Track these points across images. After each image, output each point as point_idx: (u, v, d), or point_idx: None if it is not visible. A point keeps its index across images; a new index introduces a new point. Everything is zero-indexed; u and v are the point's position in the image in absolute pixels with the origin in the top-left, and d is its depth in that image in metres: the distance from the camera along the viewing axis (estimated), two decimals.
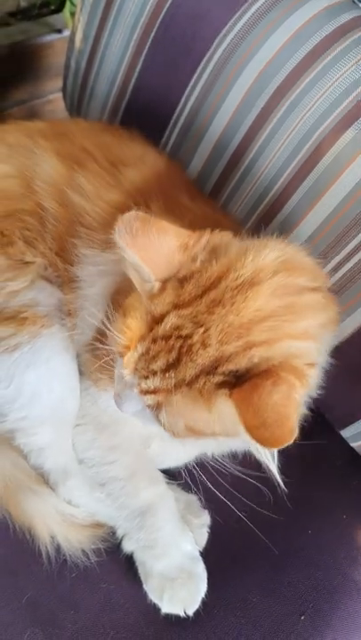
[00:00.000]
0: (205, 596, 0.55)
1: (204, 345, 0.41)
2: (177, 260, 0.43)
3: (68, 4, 1.01)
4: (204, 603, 0.55)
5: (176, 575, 0.55)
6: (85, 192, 0.60)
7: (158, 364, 0.42)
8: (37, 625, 0.53)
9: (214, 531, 0.60)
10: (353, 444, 0.66)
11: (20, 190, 0.62)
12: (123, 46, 0.72)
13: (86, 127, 0.71)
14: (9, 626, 0.53)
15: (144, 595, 0.56)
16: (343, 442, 0.68)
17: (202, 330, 0.41)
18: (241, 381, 0.40)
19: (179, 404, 0.42)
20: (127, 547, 0.57)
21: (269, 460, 0.42)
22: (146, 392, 0.43)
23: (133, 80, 0.73)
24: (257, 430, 0.38)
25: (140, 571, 0.56)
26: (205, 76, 0.64)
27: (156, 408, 0.43)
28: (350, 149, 0.56)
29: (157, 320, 0.43)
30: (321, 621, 0.55)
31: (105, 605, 0.55)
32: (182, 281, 0.43)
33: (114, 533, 0.58)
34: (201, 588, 0.56)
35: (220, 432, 0.43)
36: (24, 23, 1.05)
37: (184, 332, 0.41)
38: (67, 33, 1.06)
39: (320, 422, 0.67)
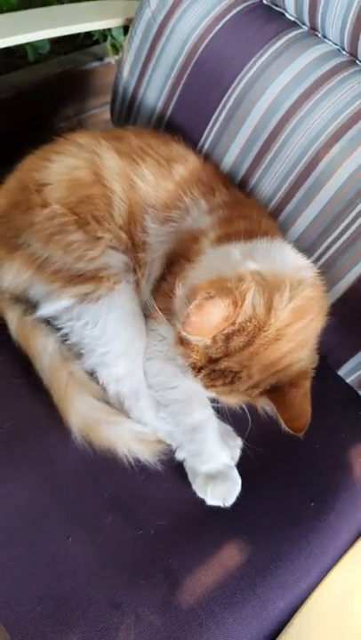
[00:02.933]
0: (238, 497, 0.73)
1: (249, 376, 0.62)
2: (222, 326, 0.60)
3: (109, 38, 1.21)
4: (237, 501, 0.74)
5: (216, 475, 0.75)
6: (147, 180, 0.78)
7: (218, 382, 0.63)
8: (118, 512, 0.71)
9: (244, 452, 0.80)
10: (348, 380, 0.86)
11: (90, 179, 0.79)
12: (163, 79, 0.92)
13: (138, 132, 0.88)
14: (96, 514, 0.71)
15: (193, 492, 0.76)
16: (341, 380, 0.88)
17: (246, 370, 0.62)
18: (275, 389, 0.63)
19: (231, 398, 0.64)
20: (180, 455, 0.75)
21: None
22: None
23: (171, 106, 0.92)
24: (291, 422, 0.63)
25: (190, 474, 0.74)
26: (228, 105, 0.84)
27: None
28: (339, 158, 0.76)
29: (213, 361, 0.62)
30: (325, 506, 0.76)
31: (166, 499, 0.74)
32: (228, 337, 0.61)
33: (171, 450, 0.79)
34: (235, 487, 0.73)
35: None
36: (73, 53, 1.26)
37: (234, 370, 0.62)
38: (107, 60, 1.27)
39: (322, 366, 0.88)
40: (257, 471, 0.78)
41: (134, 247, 0.79)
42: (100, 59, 1.26)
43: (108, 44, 1.21)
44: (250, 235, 0.70)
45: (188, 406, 0.75)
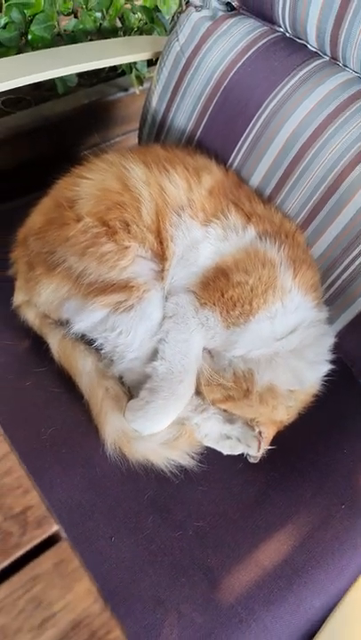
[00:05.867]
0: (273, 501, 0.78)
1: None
2: None
3: (133, 70, 1.28)
4: (272, 504, 0.79)
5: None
6: (179, 186, 0.83)
7: None
8: (156, 513, 0.74)
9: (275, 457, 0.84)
10: None
11: (118, 187, 0.84)
12: (191, 107, 0.99)
13: (163, 146, 0.94)
14: (137, 515, 0.74)
15: (228, 493, 0.78)
16: None
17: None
18: None
19: None
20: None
21: None
22: None
23: (199, 133, 0.99)
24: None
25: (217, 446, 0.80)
26: (255, 131, 0.90)
27: None
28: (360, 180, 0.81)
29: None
30: (355, 508, 0.78)
31: (202, 500, 0.77)
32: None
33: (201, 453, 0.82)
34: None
35: None
36: (99, 85, 1.34)
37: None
38: (132, 90, 1.34)
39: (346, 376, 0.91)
40: (289, 475, 0.81)
41: (161, 247, 0.83)
42: (125, 89, 1.34)
43: (132, 75, 1.29)
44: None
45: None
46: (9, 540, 0.30)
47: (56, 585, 0.29)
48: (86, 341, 0.85)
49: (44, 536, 0.31)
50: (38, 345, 0.88)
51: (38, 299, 0.87)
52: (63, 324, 0.86)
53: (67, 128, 1.30)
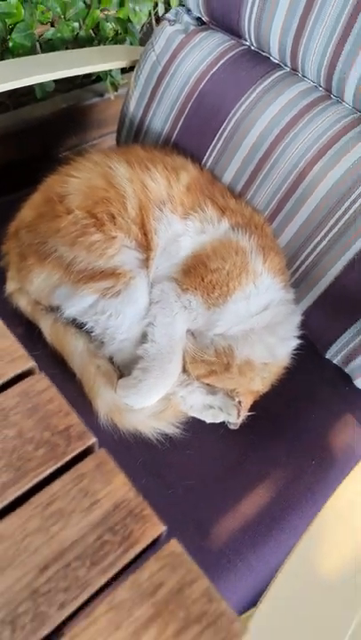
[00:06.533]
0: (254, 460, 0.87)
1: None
2: None
3: (108, 77, 1.37)
4: (253, 463, 0.88)
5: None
6: (160, 183, 0.92)
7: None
8: (149, 476, 0.82)
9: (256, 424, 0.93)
10: (334, 361, 1.00)
11: (105, 184, 0.91)
12: (167, 111, 1.08)
13: (143, 146, 1.02)
14: (132, 477, 0.84)
15: (213, 455, 0.87)
16: (328, 361, 1.03)
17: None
18: None
19: None
20: None
21: None
22: None
23: (175, 135, 1.08)
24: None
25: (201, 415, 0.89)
26: (226, 133, 1.00)
27: None
28: (320, 174, 0.91)
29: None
30: (324, 462, 0.89)
31: (188, 463, 0.84)
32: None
33: (186, 422, 0.91)
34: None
35: None
36: (76, 90, 1.41)
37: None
38: (107, 96, 1.43)
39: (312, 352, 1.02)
40: (265, 438, 0.91)
41: (146, 239, 0.91)
42: (101, 95, 1.42)
43: (107, 82, 1.38)
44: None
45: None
46: (57, 449, 0.38)
47: (98, 480, 0.38)
48: (77, 325, 0.91)
49: (85, 446, 0.39)
50: (31, 330, 0.94)
51: (30, 287, 0.93)
52: (54, 309, 0.92)
53: (46, 131, 1.37)
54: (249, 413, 0.89)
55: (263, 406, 0.91)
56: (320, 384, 0.99)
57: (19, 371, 0.43)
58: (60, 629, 0.32)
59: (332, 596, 0.53)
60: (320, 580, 0.54)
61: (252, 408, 0.90)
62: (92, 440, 0.40)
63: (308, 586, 0.54)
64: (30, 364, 0.44)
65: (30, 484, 0.38)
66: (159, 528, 0.37)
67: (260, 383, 0.90)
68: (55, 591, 0.34)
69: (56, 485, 0.37)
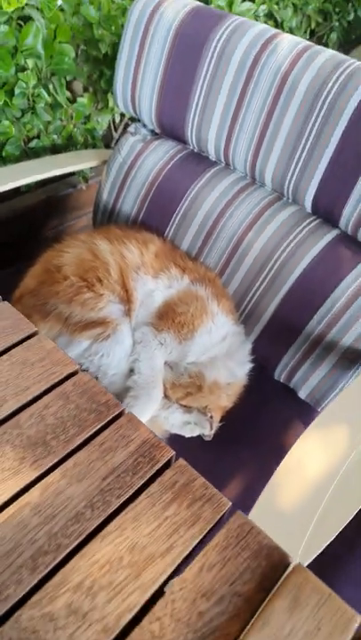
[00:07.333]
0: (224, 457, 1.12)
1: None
2: None
3: (80, 172, 1.70)
4: (223, 459, 1.12)
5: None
6: (134, 253, 1.19)
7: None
8: None
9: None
10: (281, 379, 1.28)
11: (92, 257, 1.15)
12: (134, 198, 1.40)
13: (118, 226, 1.31)
14: None
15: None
16: (276, 380, 1.30)
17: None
18: None
19: None
20: None
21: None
22: None
23: (141, 216, 1.39)
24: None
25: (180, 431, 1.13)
26: (180, 214, 1.32)
27: None
28: (252, 241, 1.23)
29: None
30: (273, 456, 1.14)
31: None
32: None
33: (168, 438, 1.15)
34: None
35: None
36: (53, 184, 1.73)
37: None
38: (79, 187, 1.75)
39: (263, 374, 1.30)
40: (232, 444, 1.16)
41: (127, 295, 1.18)
42: (74, 186, 1.74)
43: (79, 176, 1.70)
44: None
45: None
46: (102, 414, 0.63)
47: (130, 429, 0.62)
48: None
49: (119, 410, 0.64)
50: None
51: None
52: None
53: (32, 217, 1.66)
54: (219, 424, 1.15)
55: (229, 419, 1.17)
56: (272, 397, 1.27)
57: (71, 370, 0.68)
58: (119, 510, 0.56)
59: (288, 519, 0.77)
60: (280, 509, 0.78)
61: (221, 421, 1.16)
62: (122, 408, 0.64)
63: (272, 513, 0.78)
64: (76, 366, 0.69)
65: (88, 434, 0.62)
66: (170, 452, 0.61)
67: (226, 399, 1.16)
68: (113, 489, 0.57)
69: (104, 433, 0.62)
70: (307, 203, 1.17)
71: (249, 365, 1.21)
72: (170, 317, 1.17)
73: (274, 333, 1.24)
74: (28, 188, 1.64)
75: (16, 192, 1.66)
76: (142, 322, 1.20)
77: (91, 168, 1.74)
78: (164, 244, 1.29)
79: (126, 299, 1.19)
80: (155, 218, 1.37)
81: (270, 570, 0.53)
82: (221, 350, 1.17)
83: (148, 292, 1.20)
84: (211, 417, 1.14)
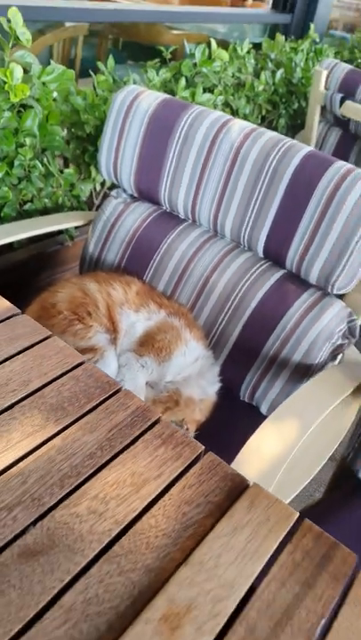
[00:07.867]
0: None
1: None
2: None
3: (67, 231, 1.96)
4: None
5: None
6: (119, 292, 1.43)
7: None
8: None
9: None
10: (245, 398, 1.49)
11: (82, 295, 1.32)
12: (116, 250, 1.65)
13: (104, 271, 1.56)
14: None
15: None
16: (241, 399, 1.51)
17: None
18: None
19: None
20: None
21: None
22: None
23: (123, 263, 1.64)
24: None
25: None
26: (156, 261, 1.57)
27: None
28: (217, 280, 1.49)
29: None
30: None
31: None
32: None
33: None
34: None
35: None
36: (43, 241, 1.98)
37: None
38: (66, 244, 2.00)
39: (230, 394, 1.51)
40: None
41: (113, 326, 1.41)
42: (61, 243, 2.00)
43: (66, 235, 1.97)
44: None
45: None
46: (106, 387, 0.83)
47: (127, 398, 0.83)
48: None
49: (118, 387, 0.84)
50: None
51: None
52: None
53: (23, 270, 1.89)
54: (194, 434, 1.34)
55: (202, 431, 1.36)
56: (238, 413, 1.47)
57: (79, 360, 0.89)
58: (122, 451, 0.75)
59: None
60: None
61: (196, 432, 1.35)
62: (120, 385, 0.85)
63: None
64: (84, 358, 0.90)
65: (95, 402, 0.82)
66: (158, 414, 0.81)
67: (199, 414, 1.37)
68: (117, 438, 0.77)
69: (108, 402, 0.82)
70: (259, 249, 1.45)
71: (218, 385, 1.42)
72: (150, 344, 1.39)
73: (236, 357, 1.47)
74: (21, 245, 1.89)
75: (10, 247, 1.90)
76: (126, 348, 1.41)
77: (76, 227, 2.01)
78: (144, 285, 1.53)
79: (112, 329, 1.41)
80: (135, 265, 1.62)
81: (234, 488, 0.72)
82: (194, 370, 1.39)
83: (130, 323, 1.42)
84: (187, 429, 1.33)
